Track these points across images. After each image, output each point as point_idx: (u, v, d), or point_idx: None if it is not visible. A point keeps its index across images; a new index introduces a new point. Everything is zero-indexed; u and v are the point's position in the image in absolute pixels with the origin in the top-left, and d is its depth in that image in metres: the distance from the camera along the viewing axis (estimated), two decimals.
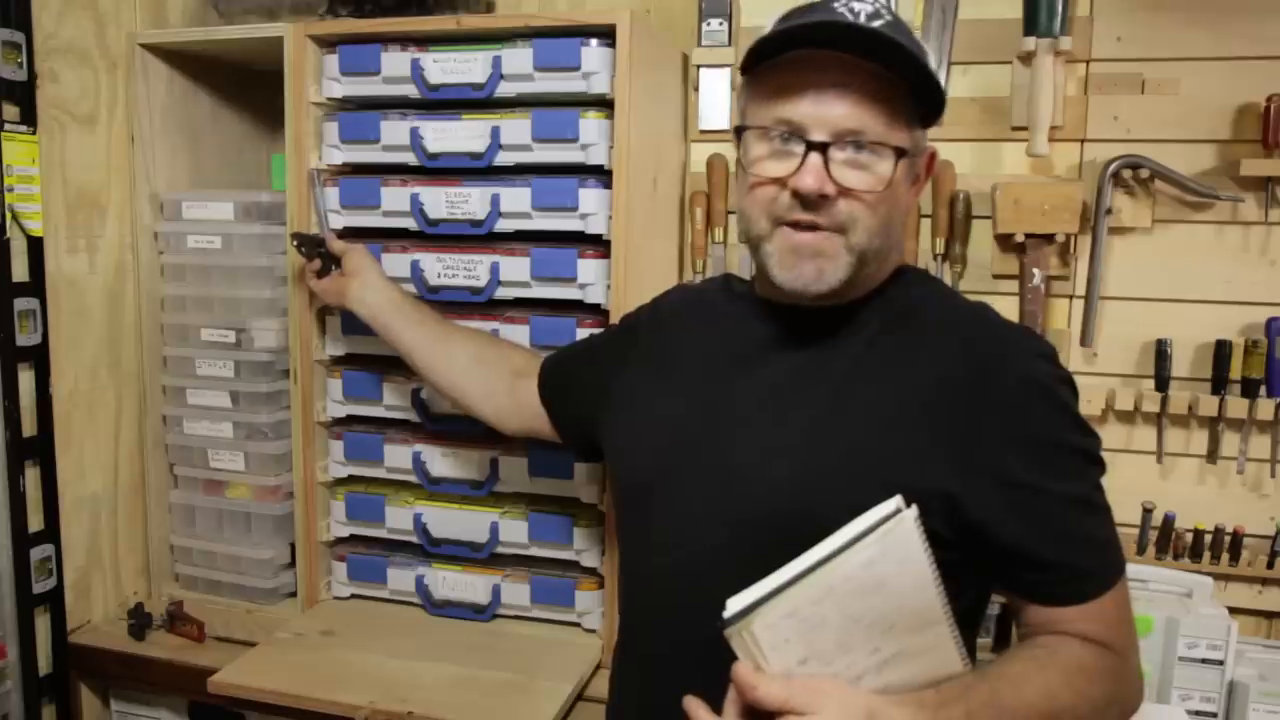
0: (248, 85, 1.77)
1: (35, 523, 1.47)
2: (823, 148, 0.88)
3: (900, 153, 0.90)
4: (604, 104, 1.38)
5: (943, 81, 0.92)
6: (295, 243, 1.41)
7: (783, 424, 0.93)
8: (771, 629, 0.72)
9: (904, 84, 0.89)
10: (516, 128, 1.39)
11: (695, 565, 0.93)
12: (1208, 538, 1.50)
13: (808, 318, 0.97)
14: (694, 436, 0.98)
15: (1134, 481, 1.56)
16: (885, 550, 0.72)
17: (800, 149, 0.89)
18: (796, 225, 0.91)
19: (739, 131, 0.97)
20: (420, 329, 1.34)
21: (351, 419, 1.57)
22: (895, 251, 0.98)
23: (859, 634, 0.74)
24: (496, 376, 1.31)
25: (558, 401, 1.25)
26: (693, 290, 1.23)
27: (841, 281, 0.92)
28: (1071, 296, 1.57)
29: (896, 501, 0.73)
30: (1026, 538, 0.87)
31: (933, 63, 0.91)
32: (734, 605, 0.72)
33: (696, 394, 1.00)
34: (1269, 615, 1.54)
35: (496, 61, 1.39)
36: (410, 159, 1.45)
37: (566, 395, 1.25)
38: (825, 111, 0.88)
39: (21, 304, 1.43)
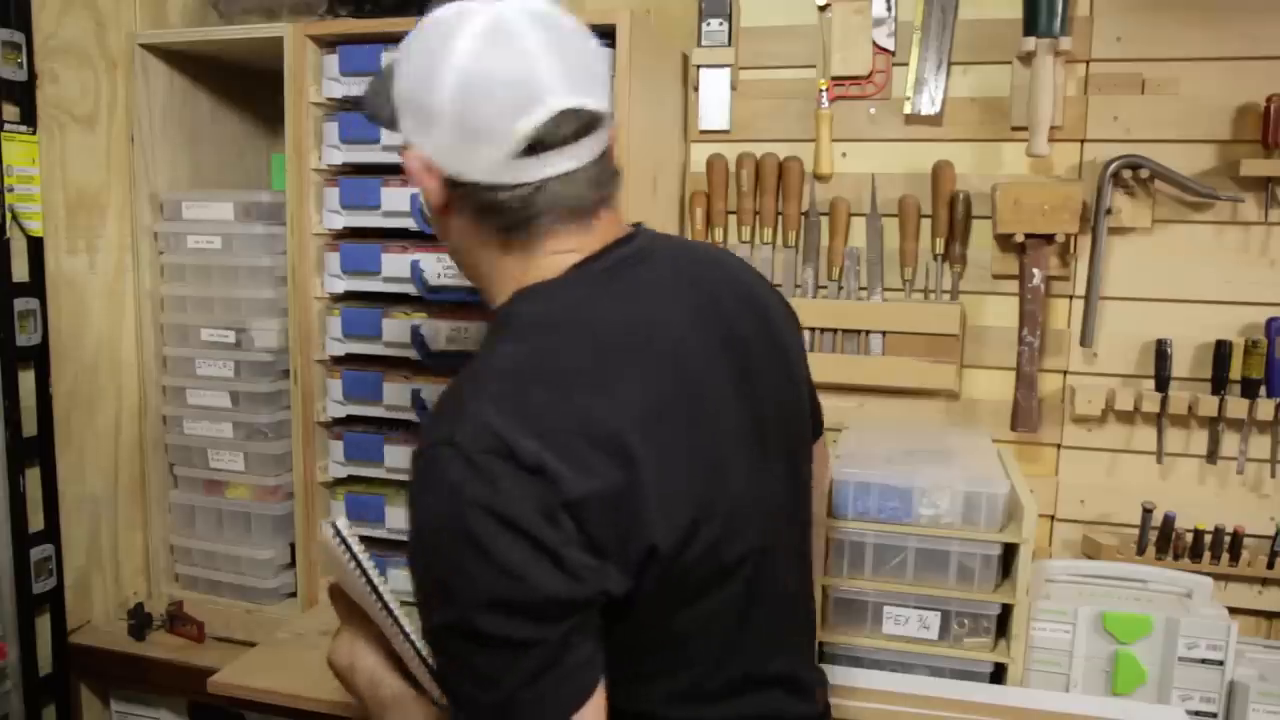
0: (248, 85, 1.77)
1: (35, 523, 1.47)
2: None
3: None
4: None
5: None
6: None
7: None
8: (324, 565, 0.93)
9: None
10: None
11: None
12: (1208, 538, 1.50)
13: None
14: None
15: (1134, 481, 1.56)
16: (319, 548, 0.90)
17: None
18: None
19: None
20: None
21: (351, 419, 1.57)
22: (471, 271, 0.91)
23: (369, 605, 0.86)
24: None
25: None
26: None
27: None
28: (1071, 296, 1.57)
29: (339, 521, 0.86)
30: None
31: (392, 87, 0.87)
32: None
33: None
34: (1269, 615, 1.54)
35: None
36: None
37: None
38: None
39: (21, 304, 1.43)
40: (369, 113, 0.92)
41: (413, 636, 0.85)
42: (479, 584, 0.71)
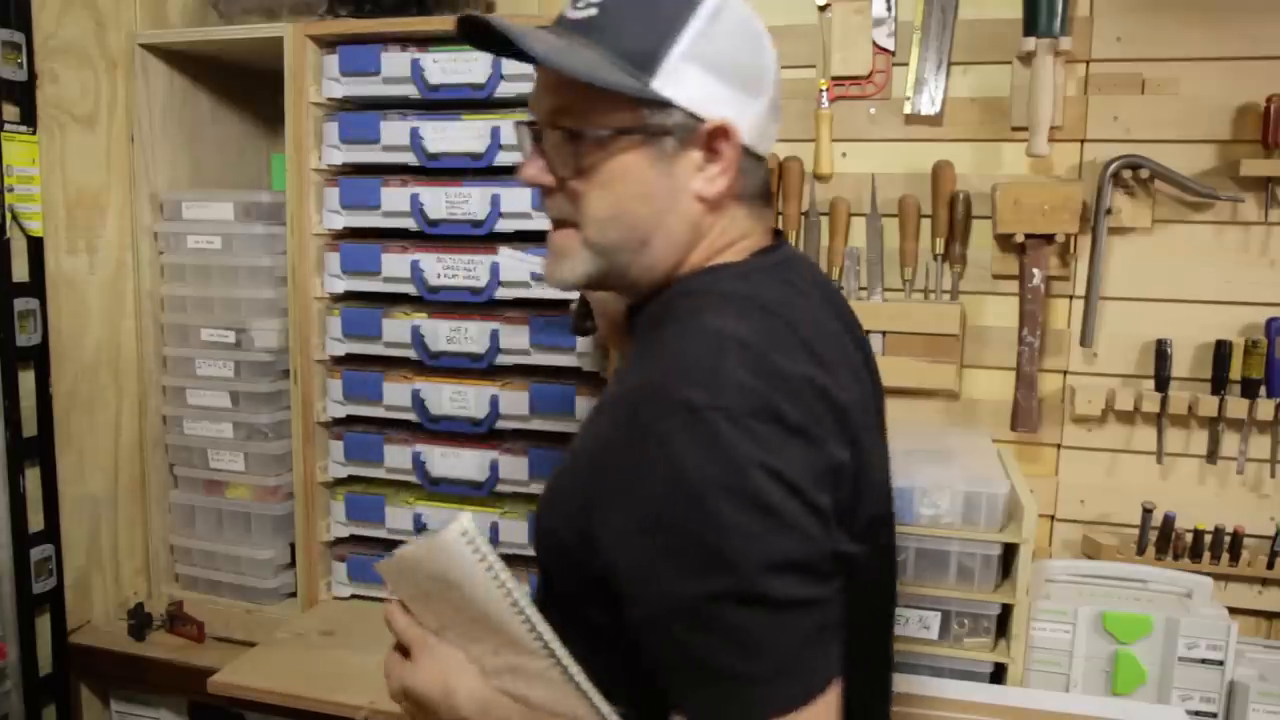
0: (248, 85, 1.77)
1: (35, 523, 1.47)
2: (536, 134, 0.82)
3: (576, 135, 0.78)
4: None
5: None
6: None
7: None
8: (393, 579, 0.80)
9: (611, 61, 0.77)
10: None
11: None
12: (1208, 538, 1.49)
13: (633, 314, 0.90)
14: None
15: (1134, 481, 1.56)
16: (432, 553, 0.73)
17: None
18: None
19: None
20: None
21: (351, 419, 1.57)
22: (667, 246, 0.82)
23: (465, 626, 0.76)
24: None
25: None
26: None
27: (583, 277, 0.83)
28: (1071, 296, 1.57)
29: (463, 521, 0.72)
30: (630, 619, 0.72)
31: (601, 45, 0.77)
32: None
33: None
34: (1269, 615, 1.54)
35: (496, 62, 1.39)
36: (410, 159, 1.45)
37: None
38: (535, 97, 0.83)
39: (21, 304, 1.43)
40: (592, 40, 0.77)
41: (555, 647, 0.73)
42: (762, 544, 0.66)
